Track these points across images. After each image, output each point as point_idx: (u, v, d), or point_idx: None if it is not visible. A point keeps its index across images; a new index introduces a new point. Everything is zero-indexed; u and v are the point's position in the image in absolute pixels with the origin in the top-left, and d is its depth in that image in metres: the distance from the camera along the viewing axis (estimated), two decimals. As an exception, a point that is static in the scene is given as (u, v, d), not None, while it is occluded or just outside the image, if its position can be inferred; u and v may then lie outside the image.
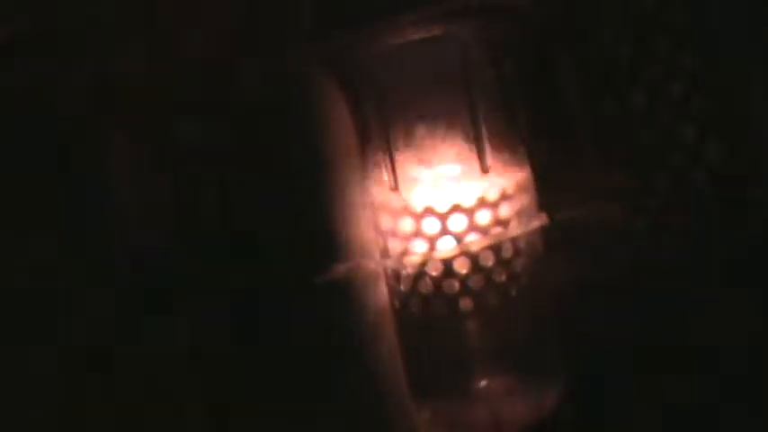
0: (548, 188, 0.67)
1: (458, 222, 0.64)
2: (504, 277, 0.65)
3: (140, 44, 0.68)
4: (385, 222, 0.66)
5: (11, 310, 0.69)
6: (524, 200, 0.66)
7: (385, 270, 0.68)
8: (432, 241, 0.64)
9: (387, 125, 0.64)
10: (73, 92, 0.68)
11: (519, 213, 0.65)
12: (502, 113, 0.64)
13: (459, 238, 0.64)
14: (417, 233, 0.64)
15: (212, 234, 0.70)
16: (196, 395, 0.71)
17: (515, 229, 0.65)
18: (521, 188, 0.65)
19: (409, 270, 0.65)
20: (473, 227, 0.64)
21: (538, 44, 0.70)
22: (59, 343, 0.70)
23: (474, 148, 0.64)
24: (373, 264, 0.68)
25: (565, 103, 0.72)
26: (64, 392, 0.70)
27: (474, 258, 0.64)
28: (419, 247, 0.64)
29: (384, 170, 0.65)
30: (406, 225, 0.65)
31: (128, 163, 0.69)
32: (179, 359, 0.71)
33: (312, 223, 0.70)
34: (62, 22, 0.67)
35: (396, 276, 0.66)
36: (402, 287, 0.66)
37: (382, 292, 0.69)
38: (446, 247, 0.64)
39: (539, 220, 0.66)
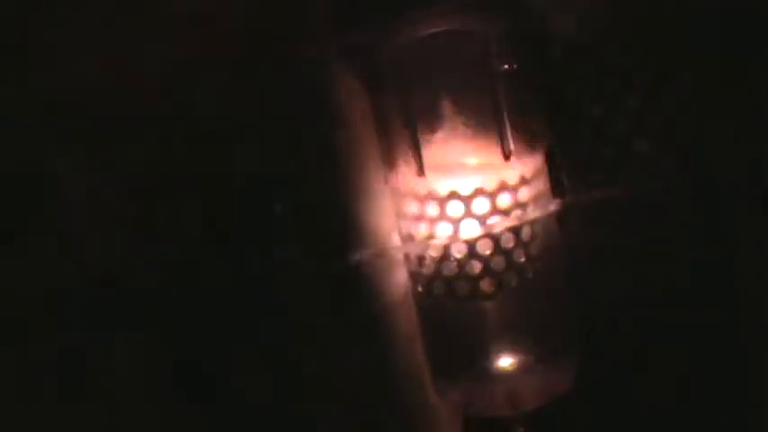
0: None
1: (481, 205, 0.67)
2: (522, 258, 0.68)
3: (93, 57, 0.67)
4: (410, 207, 0.68)
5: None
6: (540, 184, 0.69)
7: (407, 255, 0.70)
8: (456, 224, 0.67)
9: (412, 114, 0.67)
10: (24, 107, 0.66)
11: (536, 197, 0.68)
12: (521, 102, 0.67)
13: (482, 221, 0.67)
14: (442, 216, 0.67)
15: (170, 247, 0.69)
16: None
17: (533, 213, 0.68)
18: (537, 173, 0.69)
19: (433, 253, 0.68)
20: (495, 210, 0.67)
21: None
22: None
23: (495, 134, 0.67)
24: (397, 249, 0.70)
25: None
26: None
27: (496, 240, 0.67)
28: (444, 231, 0.67)
29: (410, 157, 0.67)
30: (432, 209, 0.67)
31: (83, 179, 0.68)
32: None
33: (332, 211, 0.72)
34: (7, 34, 0.65)
35: (419, 260, 0.69)
36: (425, 270, 0.68)
37: (401, 277, 0.72)
38: (470, 229, 0.67)
39: (554, 205, 0.69)
